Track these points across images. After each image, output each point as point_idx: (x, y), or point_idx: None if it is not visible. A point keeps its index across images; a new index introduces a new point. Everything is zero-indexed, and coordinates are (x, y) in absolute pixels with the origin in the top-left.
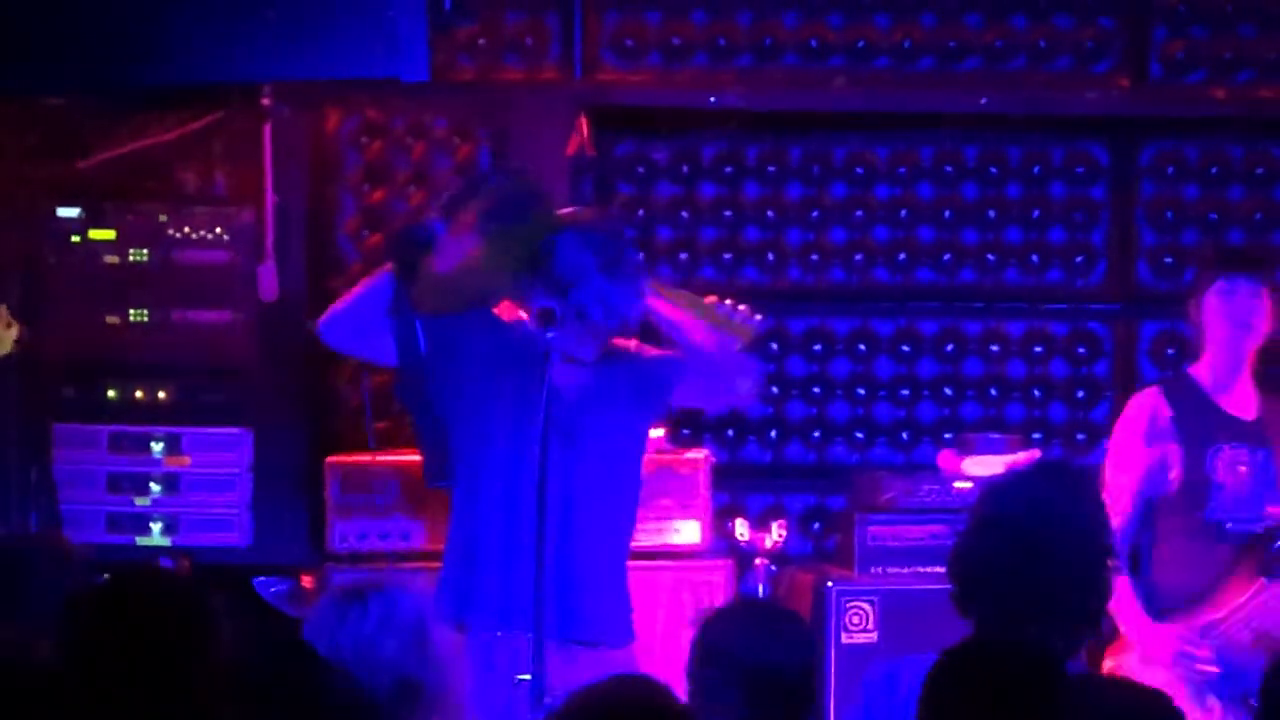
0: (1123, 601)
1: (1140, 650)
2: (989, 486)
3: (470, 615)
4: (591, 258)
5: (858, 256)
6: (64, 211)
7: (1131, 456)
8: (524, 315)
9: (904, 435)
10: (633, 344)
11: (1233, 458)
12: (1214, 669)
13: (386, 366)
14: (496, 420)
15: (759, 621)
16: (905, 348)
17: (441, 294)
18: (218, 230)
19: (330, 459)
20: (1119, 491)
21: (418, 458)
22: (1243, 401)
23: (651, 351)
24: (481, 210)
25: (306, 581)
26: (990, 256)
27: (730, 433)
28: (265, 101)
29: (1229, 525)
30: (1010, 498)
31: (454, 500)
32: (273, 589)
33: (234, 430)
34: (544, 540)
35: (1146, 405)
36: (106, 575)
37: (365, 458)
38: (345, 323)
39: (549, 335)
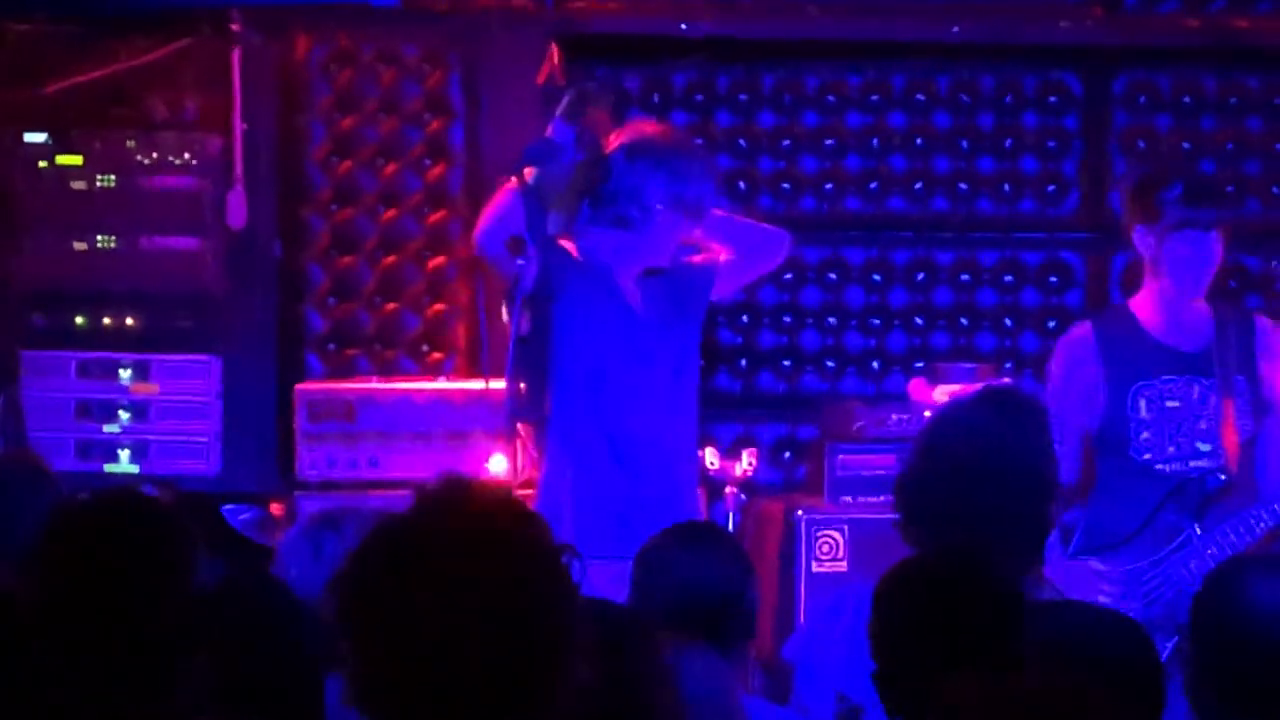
0: None
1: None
2: (933, 415)
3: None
4: (651, 166)
5: (829, 185)
6: (31, 137)
7: (1062, 387)
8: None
9: (875, 364)
10: None
11: (1161, 393)
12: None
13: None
14: (585, 351)
15: (691, 541)
16: (876, 277)
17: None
18: (186, 157)
19: (299, 386)
20: (1056, 423)
21: (388, 385)
22: (1190, 329)
23: (688, 260)
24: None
25: (275, 509)
26: (962, 186)
27: (700, 362)
28: (234, 27)
29: (1159, 466)
30: (951, 426)
31: (551, 433)
32: (242, 516)
33: (202, 358)
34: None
35: (1075, 336)
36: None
37: (334, 385)
38: (495, 234)
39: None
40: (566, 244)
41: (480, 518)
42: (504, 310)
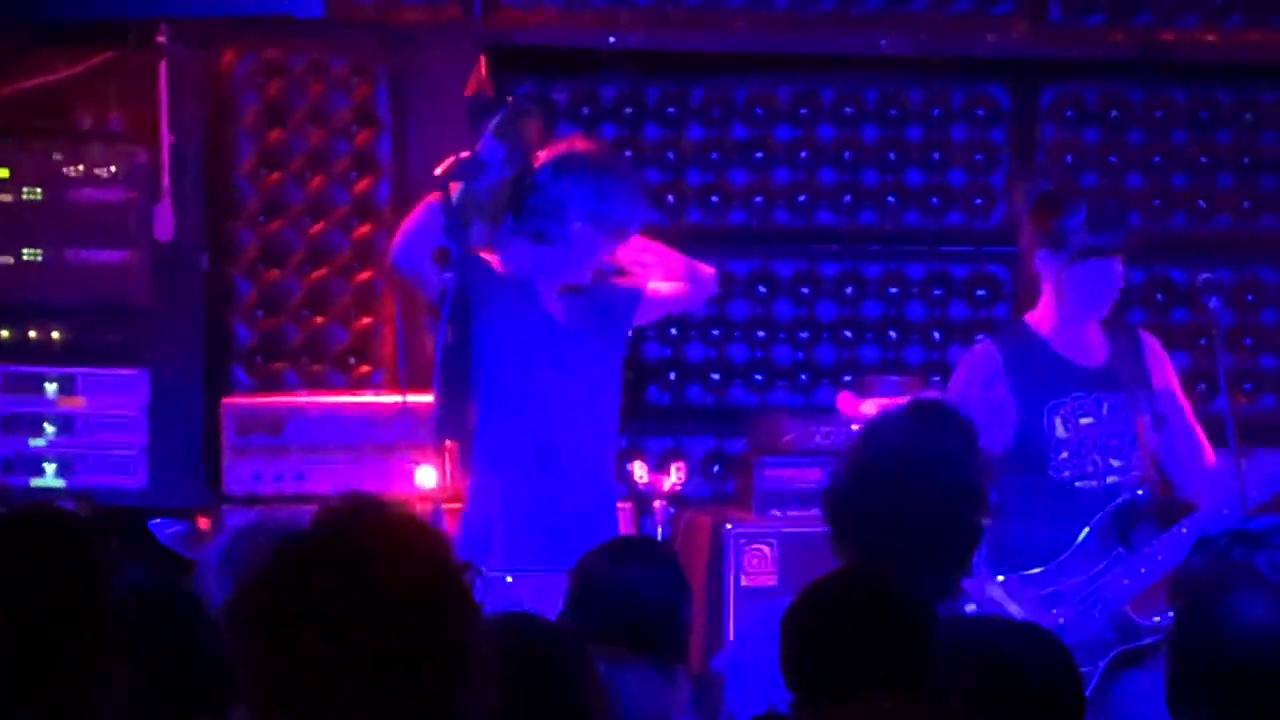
0: None
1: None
2: (861, 428)
3: (487, 560)
4: (575, 182)
5: (758, 198)
6: None
7: (965, 406)
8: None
9: (803, 377)
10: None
11: (1075, 410)
12: None
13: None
14: (508, 361)
15: (629, 556)
16: (805, 290)
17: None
18: (113, 169)
19: (227, 400)
20: None
21: (315, 399)
22: (1090, 347)
23: (613, 280)
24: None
25: (202, 523)
26: (890, 198)
27: (629, 375)
28: (161, 39)
29: (1078, 484)
30: (878, 439)
31: (475, 449)
32: (169, 531)
33: (129, 371)
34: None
35: (978, 355)
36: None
37: (262, 399)
38: (411, 251)
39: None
40: (489, 257)
41: (380, 536)
42: (429, 324)
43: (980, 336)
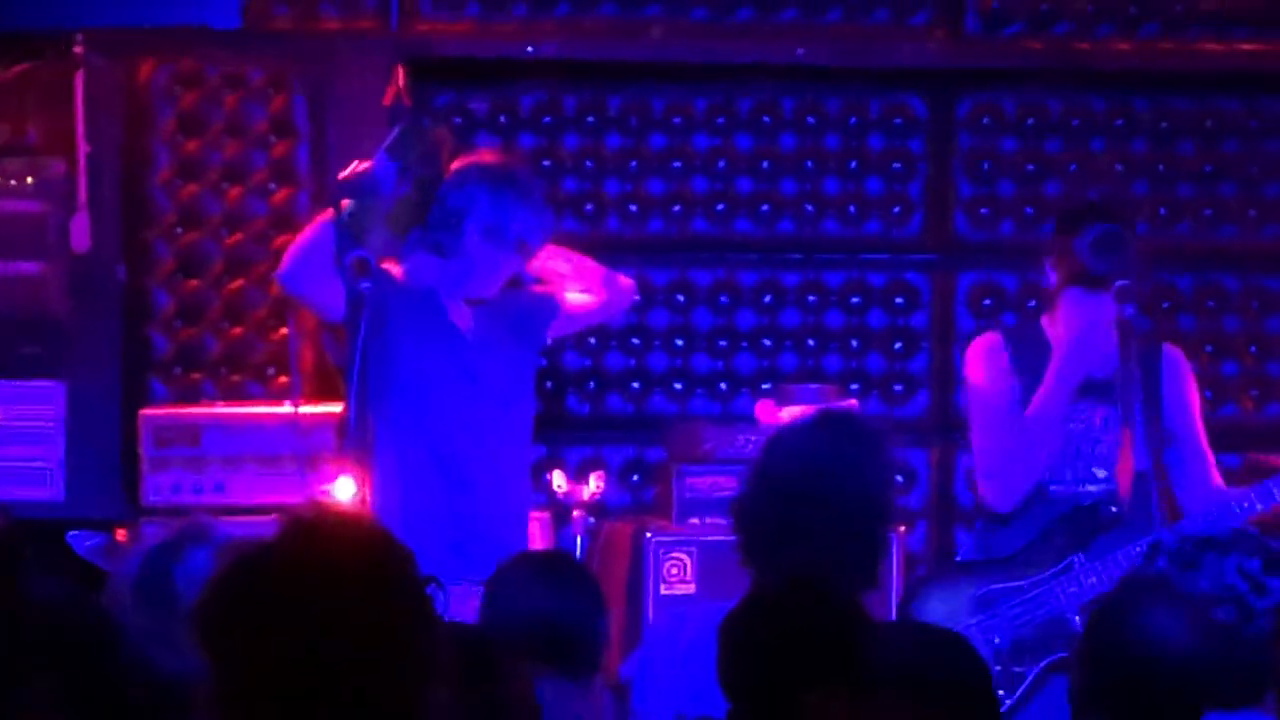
0: None
1: None
2: (768, 438)
3: None
4: (472, 195)
5: (676, 207)
6: None
7: (991, 388)
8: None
9: (722, 386)
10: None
11: (1065, 415)
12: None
13: (336, 322)
14: (410, 372)
15: (543, 571)
16: (724, 298)
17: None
18: (28, 180)
19: (144, 411)
20: (1004, 418)
21: (234, 410)
22: (1098, 355)
23: (529, 288)
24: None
25: (120, 536)
26: (808, 207)
27: (548, 384)
28: (77, 50)
29: (1053, 488)
30: (784, 450)
31: (378, 460)
32: (87, 543)
33: (46, 383)
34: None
35: (988, 344)
36: None
37: (180, 410)
38: (299, 271)
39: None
40: (392, 267)
41: (344, 547)
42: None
43: (991, 331)
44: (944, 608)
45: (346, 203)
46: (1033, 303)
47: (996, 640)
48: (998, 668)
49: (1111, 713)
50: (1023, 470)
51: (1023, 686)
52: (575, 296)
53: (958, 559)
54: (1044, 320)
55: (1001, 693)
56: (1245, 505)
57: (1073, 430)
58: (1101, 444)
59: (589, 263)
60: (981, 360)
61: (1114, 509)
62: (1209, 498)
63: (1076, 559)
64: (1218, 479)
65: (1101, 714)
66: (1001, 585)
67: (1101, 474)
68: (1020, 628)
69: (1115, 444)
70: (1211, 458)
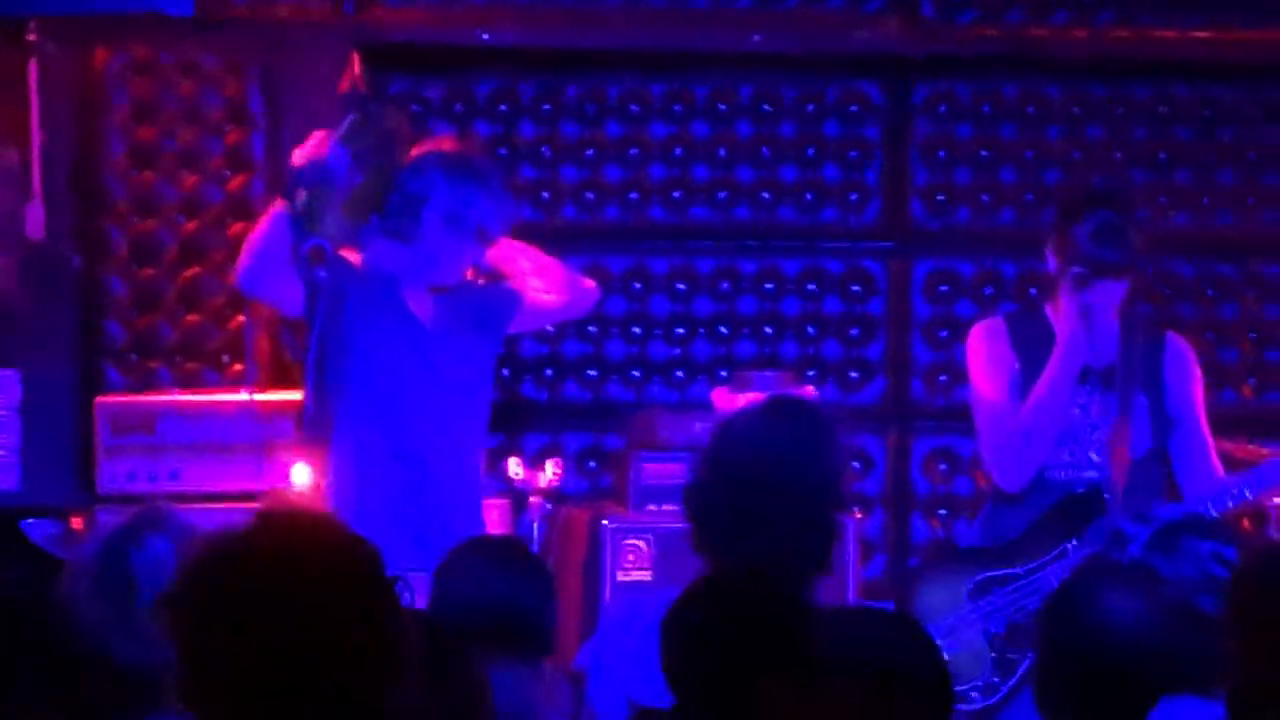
0: None
1: None
2: (718, 425)
3: None
4: (431, 181)
5: (633, 194)
6: None
7: (990, 370)
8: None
9: (680, 373)
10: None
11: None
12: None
13: (296, 316)
14: (368, 361)
15: (491, 557)
16: (681, 286)
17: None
18: None
19: (100, 399)
20: (994, 410)
21: (189, 397)
22: (1099, 345)
23: (493, 283)
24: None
25: (76, 523)
26: (765, 194)
27: (505, 371)
28: (31, 38)
29: (1051, 472)
30: (734, 436)
31: (335, 447)
32: (42, 532)
33: (0, 371)
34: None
35: (990, 328)
36: None
37: (135, 398)
38: (257, 270)
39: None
40: (350, 255)
41: (317, 544)
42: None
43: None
44: (943, 593)
45: (301, 193)
46: (989, 289)
47: (994, 626)
48: (994, 654)
49: (1068, 697)
50: (1025, 455)
51: (1019, 672)
52: (538, 295)
53: (959, 545)
54: (1047, 308)
55: (997, 679)
56: (1235, 493)
57: (1072, 417)
58: (1099, 430)
59: (553, 263)
60: (982, 344)
61: (1108, 496)
62: (1207, 485)
63: (1070, 545)
64: (1218, 467)
65: (1059, 698)
66: (998, 572)
67: (1097, 460)
68: (1016, 614)
69: (1112, 431)
70: (1213, 445)
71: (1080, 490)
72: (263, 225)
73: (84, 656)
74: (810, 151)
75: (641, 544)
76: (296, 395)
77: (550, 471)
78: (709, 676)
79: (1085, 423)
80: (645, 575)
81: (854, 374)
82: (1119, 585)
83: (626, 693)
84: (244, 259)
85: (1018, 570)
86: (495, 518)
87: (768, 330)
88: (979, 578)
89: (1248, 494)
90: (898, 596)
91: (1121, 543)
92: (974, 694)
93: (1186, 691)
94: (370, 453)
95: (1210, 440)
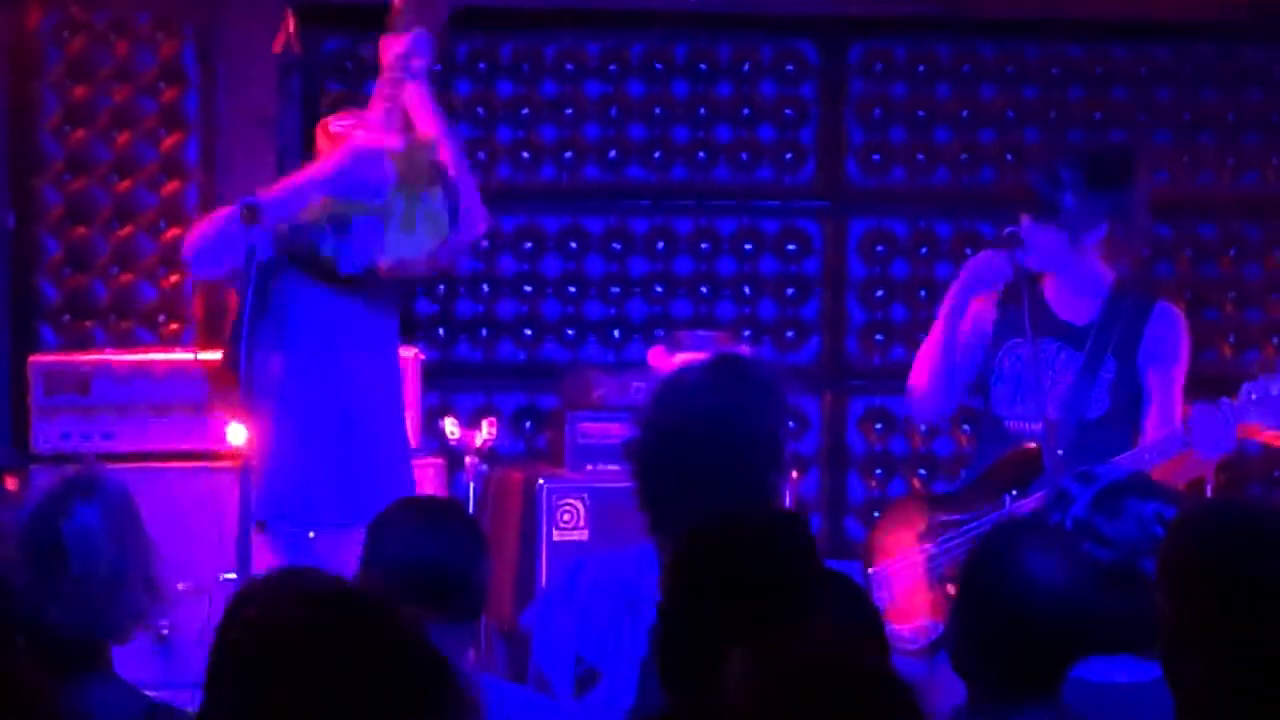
0: None
1: None
2: (658, 382)
3: (287, 516)
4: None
5: (568, 154)
6: None
7: (959, 305)
8: None
9: (615, 333)
10: None
11: (1033, 352)
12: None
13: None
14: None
15: (421, 516)
16: (616, 245)
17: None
18: None
19: (33, 358)
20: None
21: (123, 357)
22: (1082, 303)
23: None
24: None
25: (10, 483)
26: (701, 154)
27: (441, 331)
28: None
29: (1009, 423)
30: (673, 394)
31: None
32: None
33: None
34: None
35: (984, 259)
36: None
37: (69, 357)
38: (206, 262)
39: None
40: None
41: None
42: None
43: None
44: (899, 533)
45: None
46: (924, 249)
47: (939, 568)
48: (934, 596)
49: (983, 656)
50: (928, 383)
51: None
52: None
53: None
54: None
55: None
56: (1145, 460)
57: (1032, 369)
58: (1059, 386)
59: (470, 181)
60: (984, 264)
61: (1060, 451)
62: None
63: (1008, 497)
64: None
65: (974, 657)
66: (948, 517)
67: (1052, 418)
68: (958, 560)
69: (1072, 388)
70: (1179, 415)
71: (1030, 444)
72: (215, 225)
73: (17, 620)
74: (746, 111)
75: (577, 503)
76: (205, 356)
77: (486, 431)
78: (722, 618)
79: (1048, 377)
80: (581, 535)
81: (790, 333)
82: (1034, 544)
83: (573, 649)
84: (194, 247)
85: (965, 517)
86: (431, 477)
87: (703, 290)
88: (933, 521)
89: (1147, 458)
90: (868, 534)
91: (1065, 502)
92: (918, 635)
93: (1123, 652)
94: (305, 410)
95: (1178, 410)
